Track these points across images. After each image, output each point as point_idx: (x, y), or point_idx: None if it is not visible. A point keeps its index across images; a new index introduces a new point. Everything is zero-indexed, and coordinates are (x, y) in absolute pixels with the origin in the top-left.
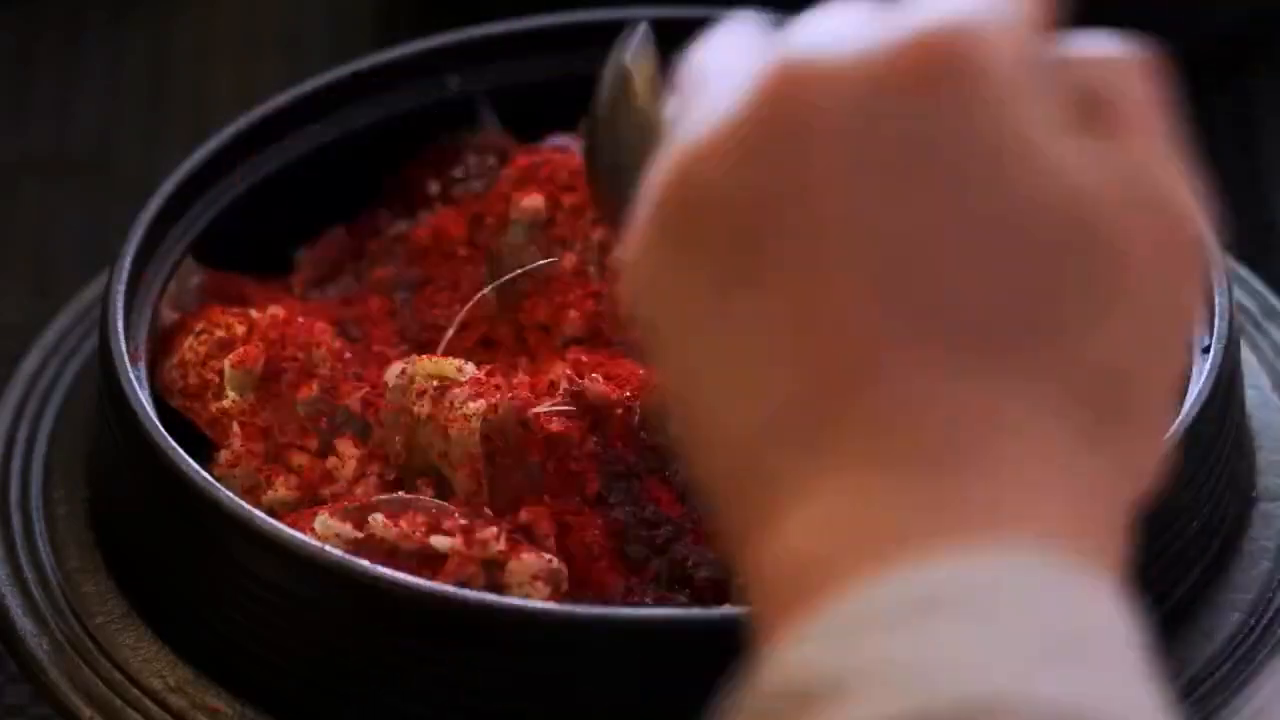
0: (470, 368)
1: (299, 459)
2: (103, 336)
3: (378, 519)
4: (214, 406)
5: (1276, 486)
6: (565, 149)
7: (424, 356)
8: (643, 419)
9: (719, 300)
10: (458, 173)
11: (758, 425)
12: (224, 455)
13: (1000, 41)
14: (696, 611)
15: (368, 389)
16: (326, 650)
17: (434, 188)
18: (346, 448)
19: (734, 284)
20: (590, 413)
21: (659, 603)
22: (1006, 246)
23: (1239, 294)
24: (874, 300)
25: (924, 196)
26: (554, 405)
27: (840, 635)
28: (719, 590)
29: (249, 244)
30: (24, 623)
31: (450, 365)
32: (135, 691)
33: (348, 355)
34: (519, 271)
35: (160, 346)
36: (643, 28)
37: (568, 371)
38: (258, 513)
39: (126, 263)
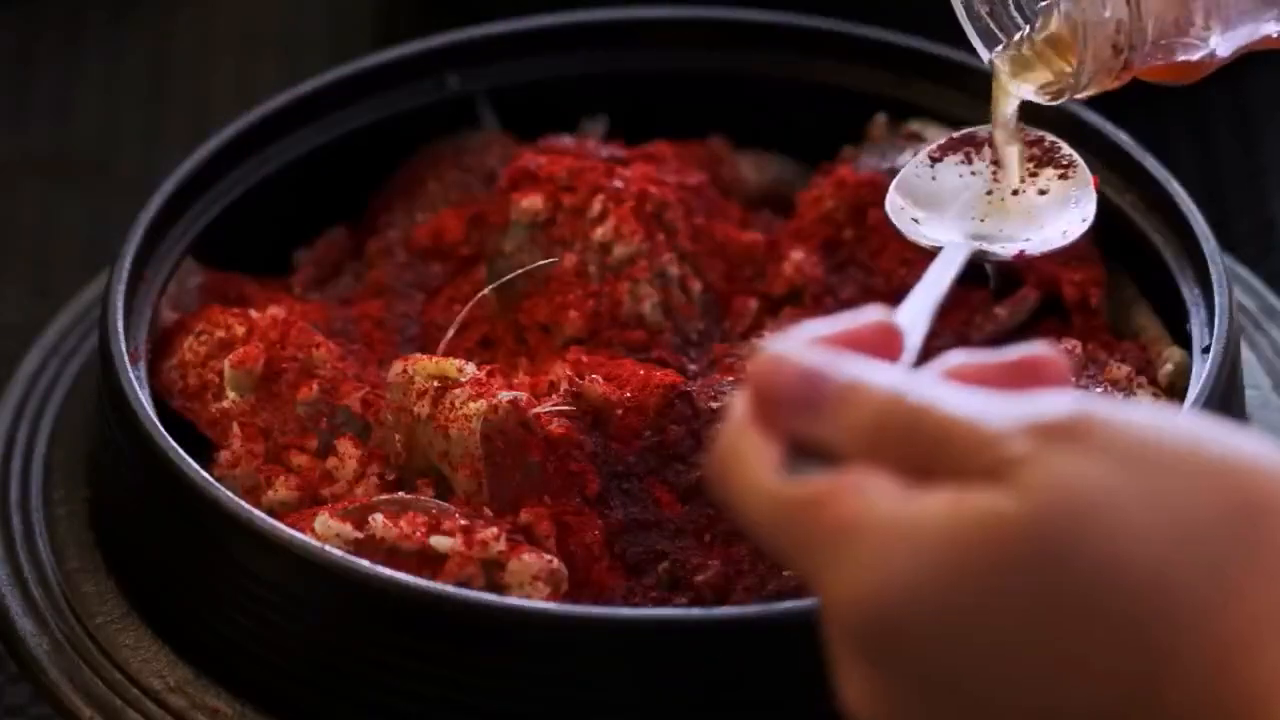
0: (470, 368)
1: (299, 459)
2: (103, 336)
3: (378, 519)
4: (214, 407)
5: None
6: (565, 149)
7: (424, 356)
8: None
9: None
10: (458, 173)
11: None
12: (224, 456)
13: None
14: (696, 611)
15: (368, 389)
16: (326, 650)
17: (434, 188)
18: (346, 448)
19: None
20: (590, 413)
21: (659, 603)
22: None
23: (1239, 294)
24: None
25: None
26: (554, 405)
27: None
28: (718, 591)
29: (249, 244)
30: (24, 623)
31: (450, 365)
32: (135, 691)
33: (347, 356)
34: (519, 271)
35: (160, 347)
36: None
37: (568, 371)
38: (258, 513)
39: (126, 263)
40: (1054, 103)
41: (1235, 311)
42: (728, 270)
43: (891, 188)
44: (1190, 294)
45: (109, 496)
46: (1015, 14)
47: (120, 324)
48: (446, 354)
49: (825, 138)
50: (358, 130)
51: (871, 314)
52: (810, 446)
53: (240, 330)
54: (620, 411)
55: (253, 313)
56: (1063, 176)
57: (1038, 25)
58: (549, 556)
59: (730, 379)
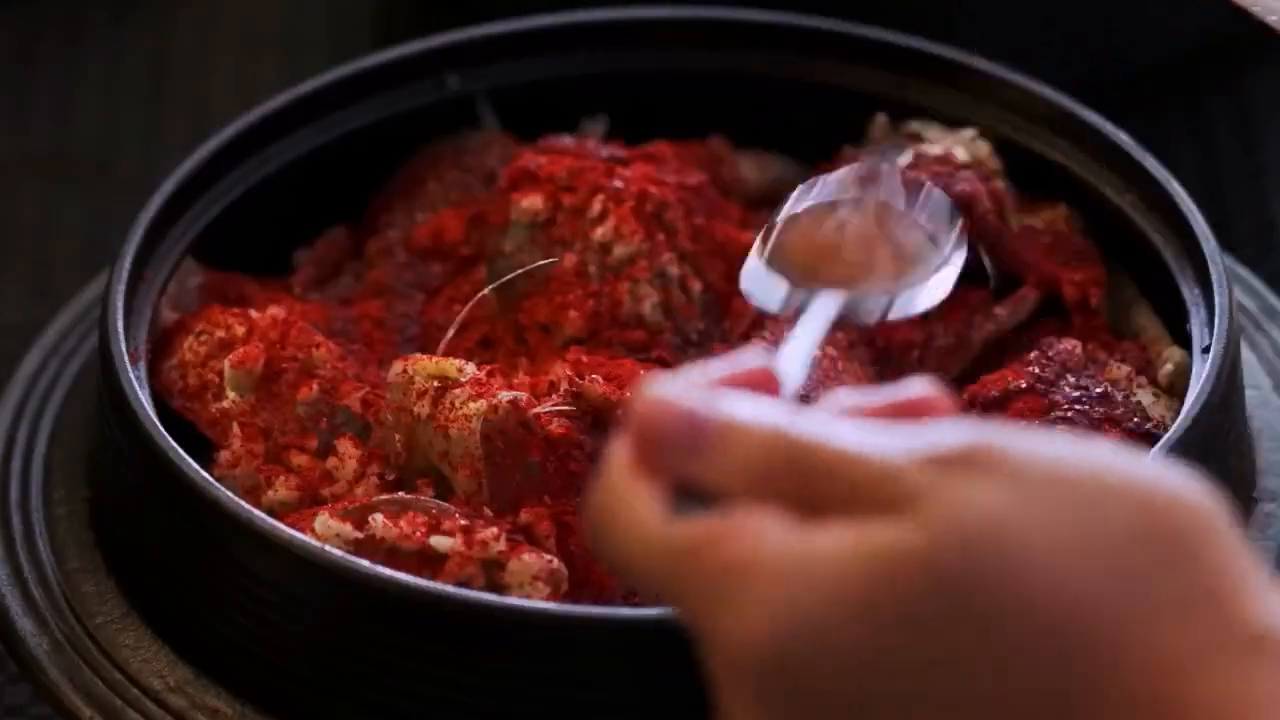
0: (470, 368)
1: (299, 459)
2: (103, 336)
3: (378, 519)
4: (214, 407)
5: (1276, 486)
6: (565, 149)
7: (424, 356)
8: None
9: None
10: (458, 173)
11: None
12: (224, 456)
13: None
14: None
15: (368, 389)
16: (326, 650)
17: (434, 188)
18: (346, 448)
19: None
20: (590, 413)
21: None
22: None
23: (1239, 294)
24: None
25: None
26: (554, 405)
27: None
28: None
29: (249, 244)
30: (24, 623)
31: (450, 365)
32: (135, 691)
33: (347, 356)
34: (519, 271)
35: (160, 347)
36: None
37: (568, 371)
38: (258, 513)
39: (126, 263)
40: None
41: (1235, 311)
42: (728, 270)
43: (757, 241)
44: (1190, 294)
45: (109, 496)
46: None
47: (120, 324)
48: (446, 354)
49: (825, 138)
50: (358, 130)
51: (751, 358)
52: (695, 489)
53: (240, 330)
54: (620, 411)
55: (253, 313)
56: (936, 231)
57: None
58: (549, 556)
59: None
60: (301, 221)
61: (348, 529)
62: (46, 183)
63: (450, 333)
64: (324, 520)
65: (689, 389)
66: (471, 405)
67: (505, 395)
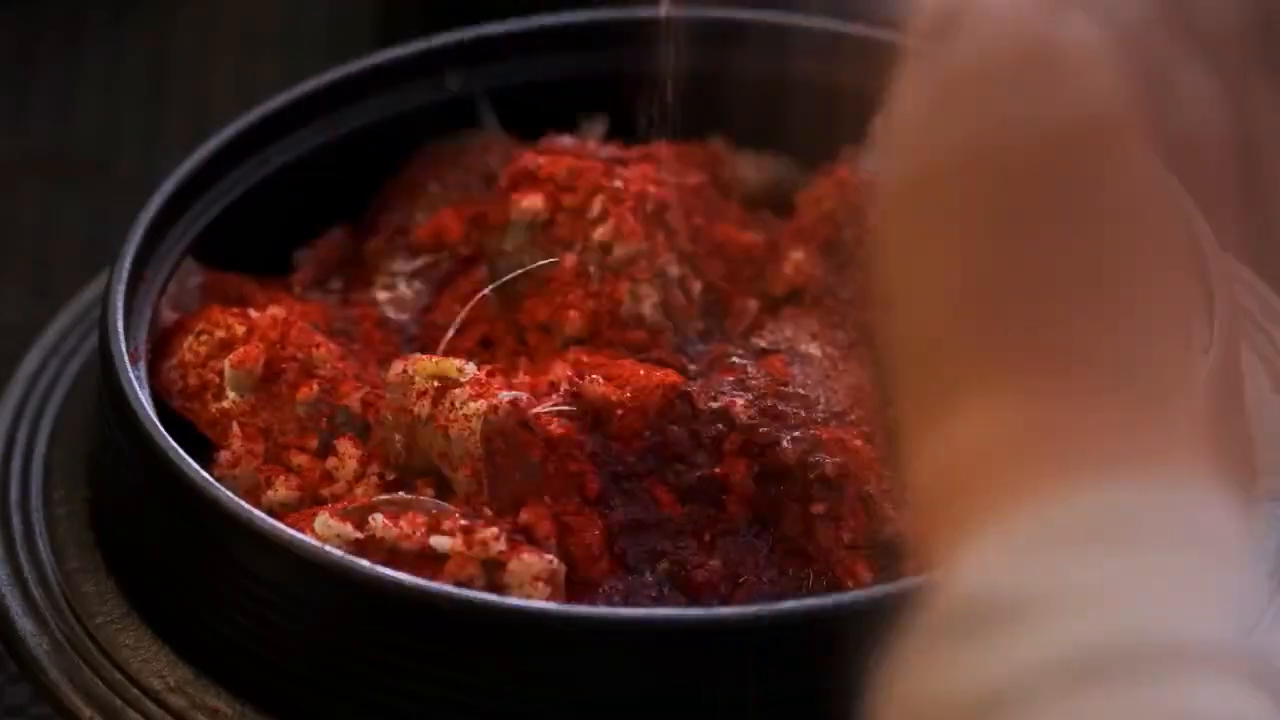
0: (470, 368)
1: (299, 459)
2: (103, 336)
3: (378, 519)
4: (214, 407)
5: (1276, 486)
6: (565, 149)
7: (424, 356)
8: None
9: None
10: (458, 173)
11: (948, 309)
12: (224, 456)
13: None
14: (696, 611)
15: (368, 389)
16: (326, 650)
17: (434, 188)
18: (346, 448)
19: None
20: (590, 413)
21: (659, 603)
22: None
23: (1239, 294)
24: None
25: None
26: (554, 405)
27: (1022, 552)
28: (718, 591)
29: (249, 244)
30: (24, 623)
31: (450, 365)
32: (135, 691)
33: (347, 356)
34: (519, 271)
35: (160, 347)
36: None
37: (568, 372)
38: (258, 513)
39: (126, 263)
40: None
41: (1235, 311)
42: (728, 270)
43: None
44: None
45: (109, 496)
46: None
47: (120, 324)
48: (446, 354)
49: (825, 138)
50: (358, 130)
51: None
52: None
53: (240, 330)
54: (620, 411)
55: (253, 313)
56: None
57: None
58: (549, 556)
59: (730, 379)
60: (301, 221)
61: (348, 529)
62: (46, 183)
63: (450, 333)
64: (324, 520)
65: None
66: (471, 405)
67: (505, 395)
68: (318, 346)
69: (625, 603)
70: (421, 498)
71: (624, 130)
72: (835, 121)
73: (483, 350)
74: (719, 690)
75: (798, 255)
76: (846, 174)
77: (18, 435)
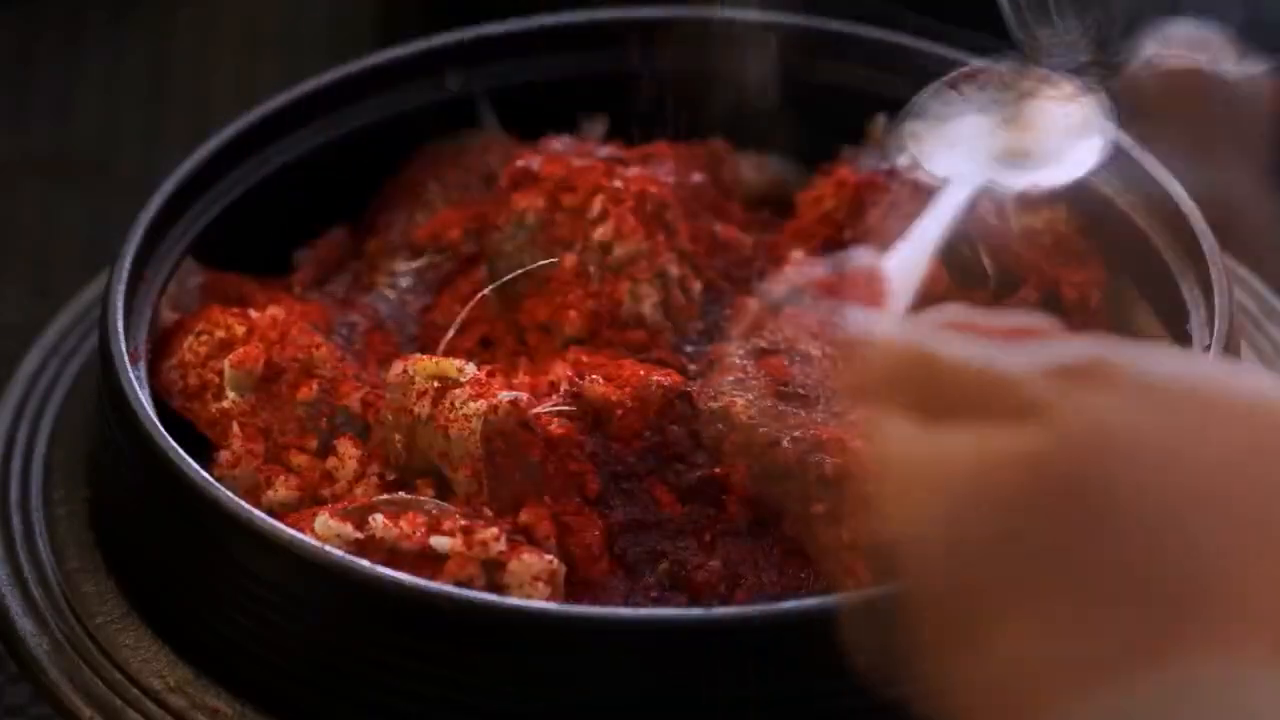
0: (470, 368)
1: (299, 459)
2: (103, 336)
3: (378, 519)
4: (214, 407)
5: None
6: (565, 149)
7: (424, 356)
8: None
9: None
10: (458, 173)
11: (1045, 657)
12: (224, 456)
13: None
14: (696, 611)
15: (368, 389)
16: (326, 650)
17: (434, 188)
18: (346, 448)
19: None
20: (590, 413)
21: (659, 603)
22: None
23: (1239, 294)
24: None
25: None
26: (554, 405)
27: None
28: (718, 591)
29: (249, 244)
30: (24, 623)
31: (450, 365)
32: (135, 691)
33: (347, 356)
34: (519, 272)
35: (160, 347)
36: None
37: (568, 372)
38: (258, 513)
39: (126, 263)
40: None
41: (1235, 311)
42: (728, 270)
43: (909, 117)
44: (1190, 294)
45: (109, 496)
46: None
47: (120, 324)
48: (446, 354)
49: (825, 138)
50: (358, 130)
51: (862, 259)
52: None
53: (240, 330)
54: (620, 411)
55: (253, 313)
56: (1075, 110)
57: None
58: (549, 556)
59: (730, 379)
60: (301, 221)
61: (348, 529)
62: (46, 183)
63: (450, 333)
64: (324, 520)
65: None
66: (471, 405)
67: (505, 395)
68: (318, 346)
69: (625, 603)
70: (421, 498)
71: (624, 130)
72: (835, 121)
73: (483, 350)
74: (719, 690)
75: (798, 255)
76: (846, 174)
77: (18, 435)
